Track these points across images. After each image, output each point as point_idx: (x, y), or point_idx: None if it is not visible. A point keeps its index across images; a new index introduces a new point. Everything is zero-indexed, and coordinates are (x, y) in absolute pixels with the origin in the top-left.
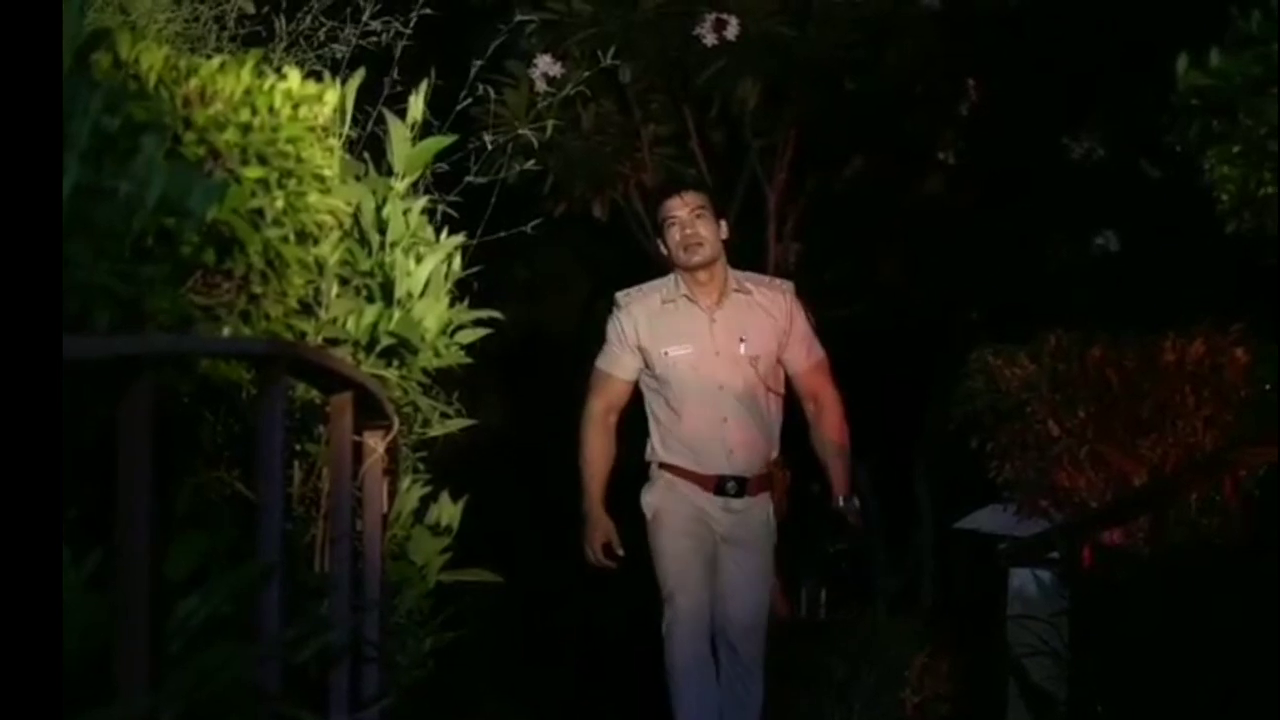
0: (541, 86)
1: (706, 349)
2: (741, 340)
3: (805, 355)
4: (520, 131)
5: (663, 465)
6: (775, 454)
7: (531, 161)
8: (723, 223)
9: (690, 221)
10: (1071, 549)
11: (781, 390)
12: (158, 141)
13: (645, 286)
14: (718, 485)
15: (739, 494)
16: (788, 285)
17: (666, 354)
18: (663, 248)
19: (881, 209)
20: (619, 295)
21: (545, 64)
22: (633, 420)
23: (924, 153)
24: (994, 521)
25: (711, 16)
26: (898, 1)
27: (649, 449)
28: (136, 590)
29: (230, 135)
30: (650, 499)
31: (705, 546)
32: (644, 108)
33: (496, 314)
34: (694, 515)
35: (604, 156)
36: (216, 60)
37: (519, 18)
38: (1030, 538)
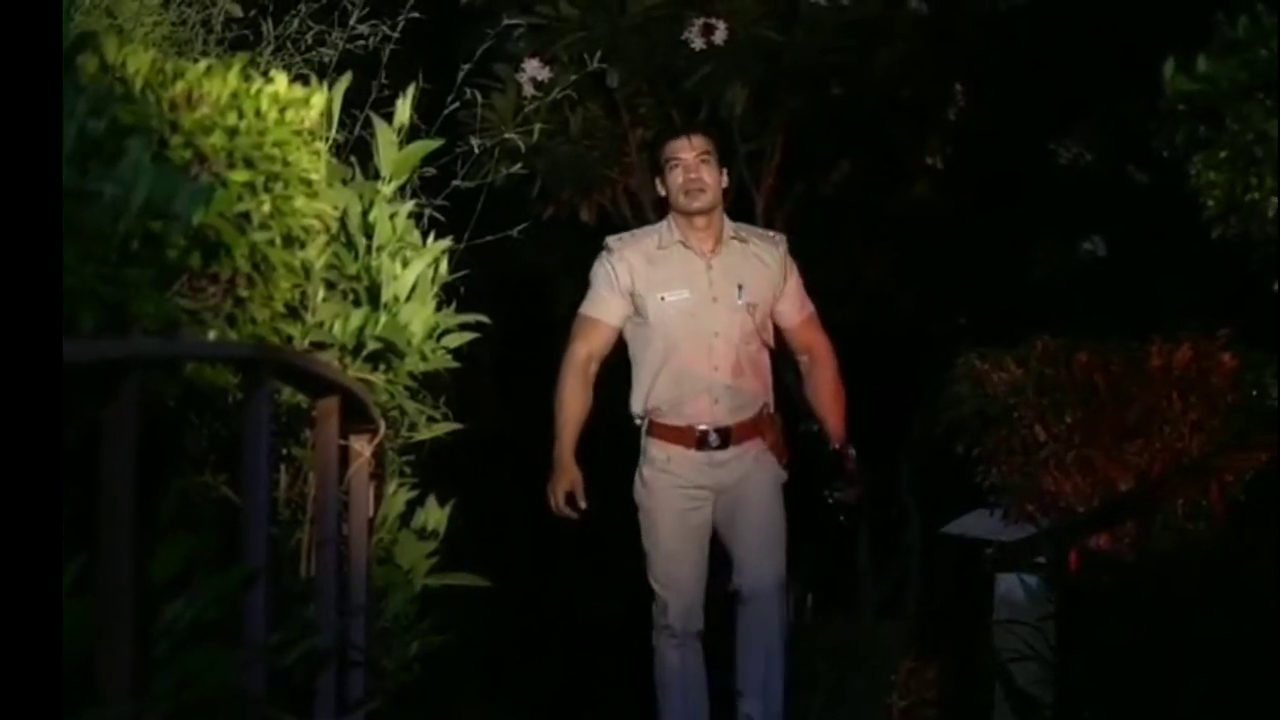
0: (529, 90)
1: (704, 295)
2: (740, 287)
3: (799, 307)
4: (507, 136)
5: (648, 430)
6: (767, 406)
7: (519, 165)
8: (724, 172)
9: (695, 165)
10: (1058, 554)
11: (772, 343)
12: (144, 145)
13: (637, 232)
14: (699, 440)
15: (722, 444)
16: (781, 237)
17: (663, 299)
18: (661, 189)
19: (869, 213)
20: (609, 239)
21: (533, 68)
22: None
23: (911, 157)
24: (980, 526)
25: (699, 21)
26: (885, 6)
27: (632, 400)
28: (121, 594)
29: (217, 139)
30: (641, 490)
31: (700, 535)
32: (632, 112)
33: (483, 318)
34: (686, 503)
35: (591, 161)
36: (203, 64)
37: (506, 21)
38: (1017, 542)
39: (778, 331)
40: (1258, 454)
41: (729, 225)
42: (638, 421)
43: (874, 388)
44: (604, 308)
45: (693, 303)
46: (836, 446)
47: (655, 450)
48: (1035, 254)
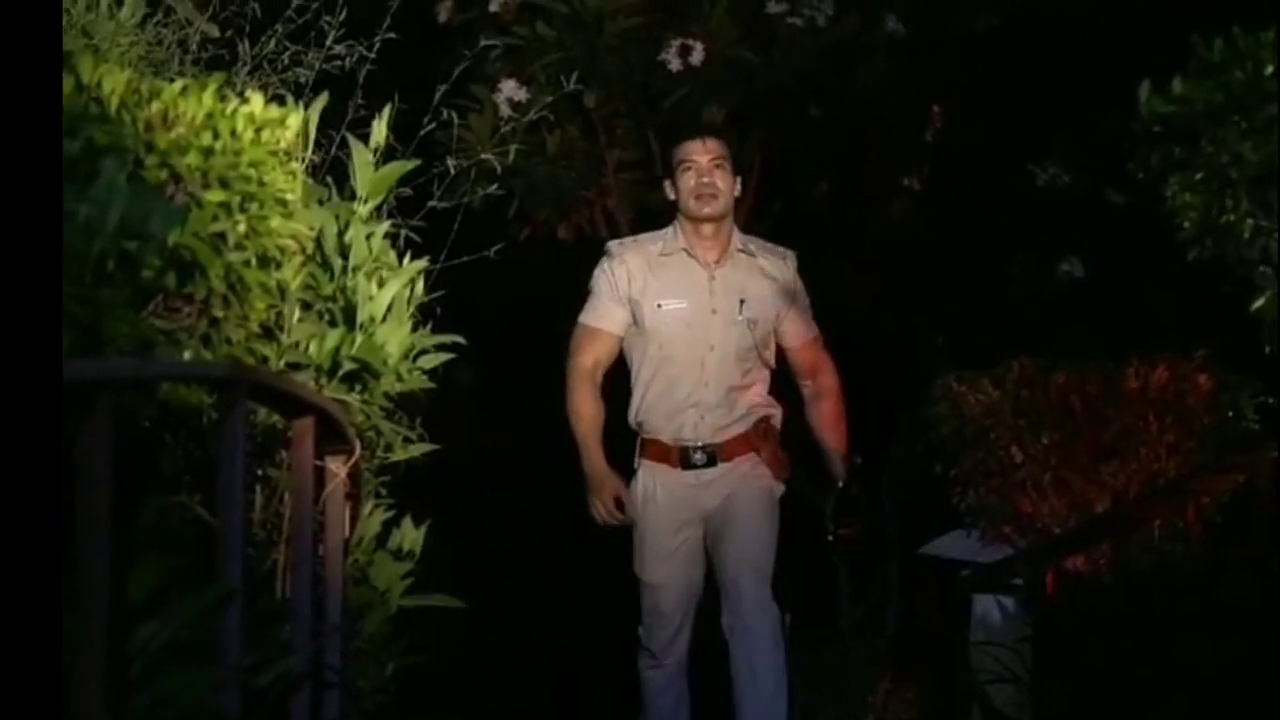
0: (506, 111)
1: (703, 306)
2: (741, 301)
3: (805, 328)
4: (484, 156)
5: (640, 451)
6: (765, 419)
7: (495, 186)
8: (738, 180)
9: (708, 170)
10: (1035, 575)
11: (773, 363)
12: (119, 165)
13: (641, 237)
14: (684, 458)
15: (709, 463)
16: (791, 255)
17: (660, 306)
18: (670, 192)
19: (847, 234)
20: (611, 244)
21: (509, 88)
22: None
23: (889, 178)
24: (957, 548)
25: (676, 42)
26: (862, 27)
27: (630, 410)
28: (96, 614)
29: (192, 159)
30: (633, 508)
31: (689, 563)
32: (609, 133)
33: (459, 338)
34: (674, 532)
35: (569, 181)
36: (179, 84)
37: (484, 42)
38: (994, 564)
39: (781, 353)
40: (1234, 476)
41: (738, 237)
42: (634, 427)
43: (851, 408)
44: (605, 316)
45: (690, 313)
46: (841, 483)
47: (644, 475)
48: (1013, 274)
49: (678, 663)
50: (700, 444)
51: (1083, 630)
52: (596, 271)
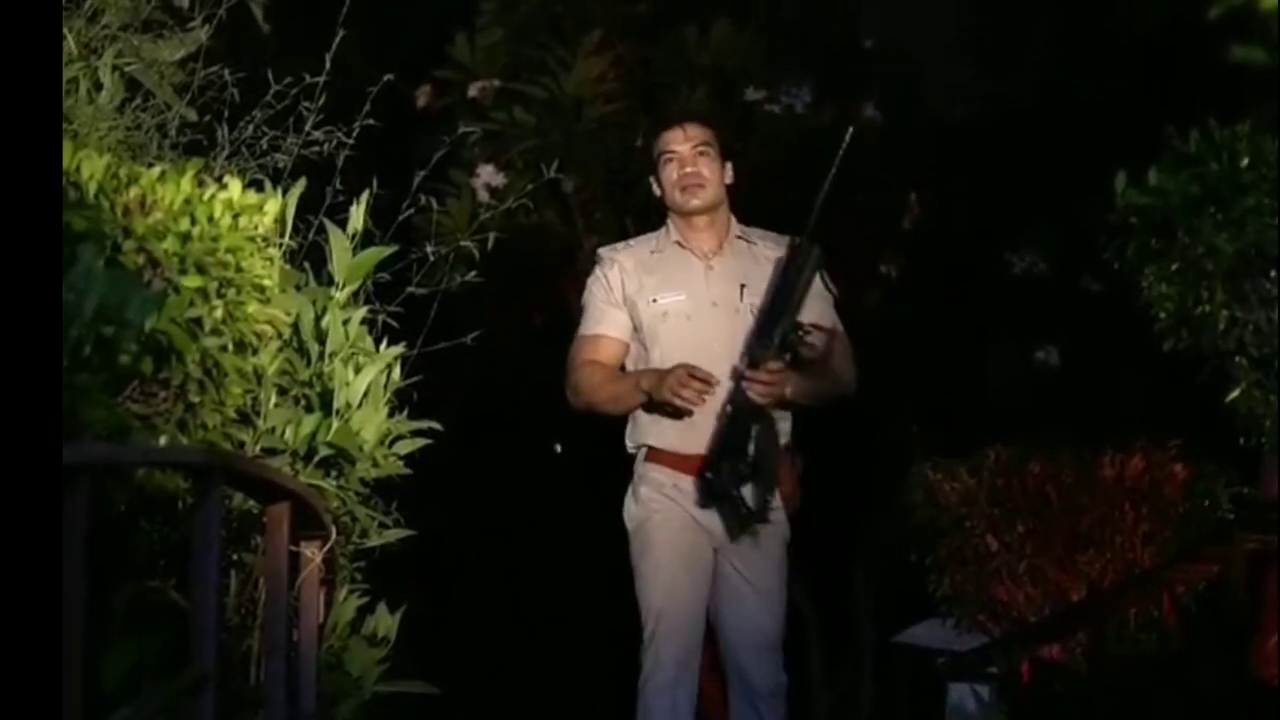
0: (484, 196)
1: (701, 298)
2: (742, 286)
3: (817, 316)
4: (462, 243)
5: (646, 457)
6: (782, 438)
7: (473, 273)
8: (728, 166)
9: (691, 158)
10: (1010, 664)
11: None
12: (96, 250)
13: (632, 240)
14: (701, 468)
15: None
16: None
17: (655, 301)
18: (655, 188)
19: None
20: (601, 250)
21: (487, 173)
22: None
23: (867, 265)
24: (932, 636)
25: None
26: (840, 114)
27: (628, 428)
28: (69, 699)
29: (170, 244)
30: (634, 508)
31: (700, 571)
32: (586, 217)
33: (435, 424)
34: (690, 528)
35: (546, 267)
36: (157, 169)
37: (462, 128)
38: (969, 652)
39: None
40: (1209, 566)
41: (735, 225)
42: (631, 451)
43: (825, 494)
44: (604, 320)
45: (689, 305)
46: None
47: (656, 473)
48: (989, 362)
49: (689, 679)
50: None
51: (1058, 719)
52: (589, 281)
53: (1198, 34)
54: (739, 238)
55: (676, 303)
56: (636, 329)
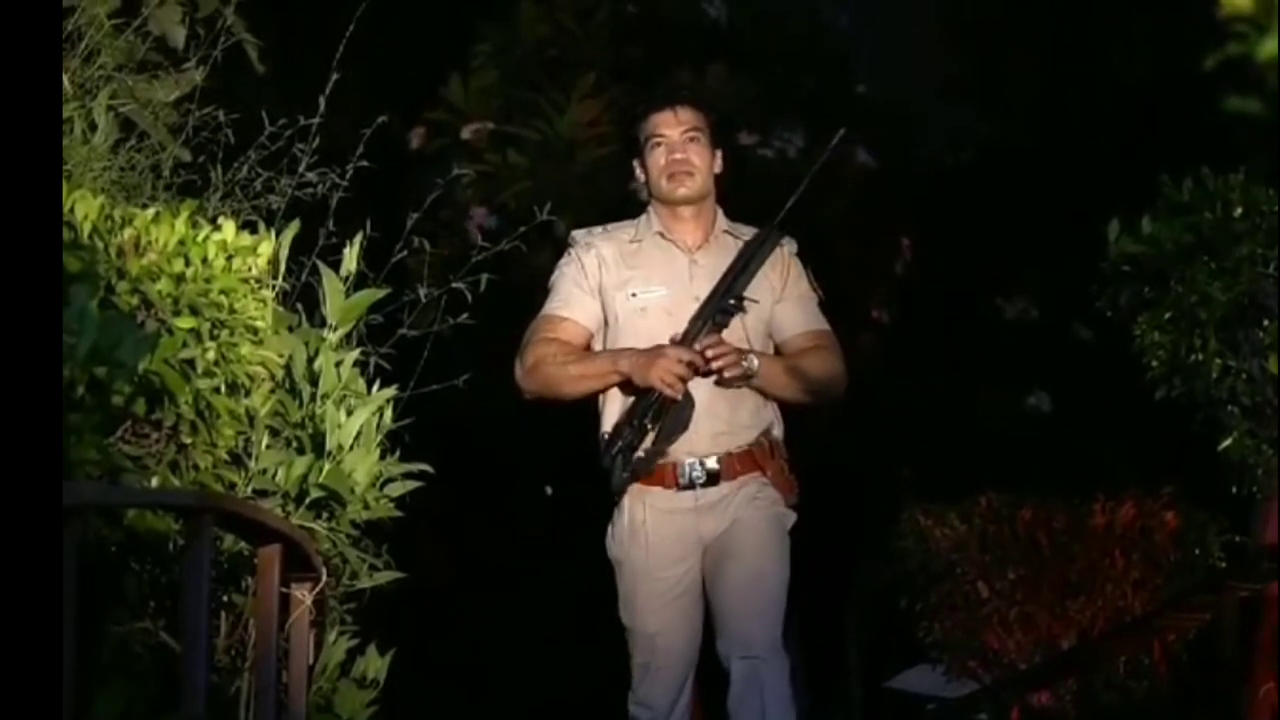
0: (477, 238)
1: (684, 294)
2: None
3: (805, 318)
4: (455, 285)
5: (625, 484)
6: (768, 431)
7: (465, 315)
8: (719, 154)
9: (680, 144)
10: (1000, 711)
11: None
12: (90, 292)
13: (610, 226)
14: (679, 476)
15: (710, 482)
16: (789, 239)
17: (634, 296)
18: (639, 172)
19: None
20: (575, 233)
21: (480, 215)
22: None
23: (858, 310)
24: (922, 682)
25: None
26: (833, 160)
27: (601, 437)
28: None
29: (163, 285)
30: (614, 546)
31: (688, 603)
32: None
33: (427, 467)
34: (671, 569)
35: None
36: (151, 210)
37: (456, 170)
38: (959, 699)
39: (777, 351)
40: (1200, 613)
41: (722, 219)
42: (606, 462)
43: (816, 539)
44: (574, 305)
45: (671, 301)
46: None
47: (630, 504)
48: (980, 408)
49: None
50: (699, 457)
51: None
52: (561, 262)
53: (1191, 83)
54: (726, 232)
55: (657, 298)
56: (607, 322)
